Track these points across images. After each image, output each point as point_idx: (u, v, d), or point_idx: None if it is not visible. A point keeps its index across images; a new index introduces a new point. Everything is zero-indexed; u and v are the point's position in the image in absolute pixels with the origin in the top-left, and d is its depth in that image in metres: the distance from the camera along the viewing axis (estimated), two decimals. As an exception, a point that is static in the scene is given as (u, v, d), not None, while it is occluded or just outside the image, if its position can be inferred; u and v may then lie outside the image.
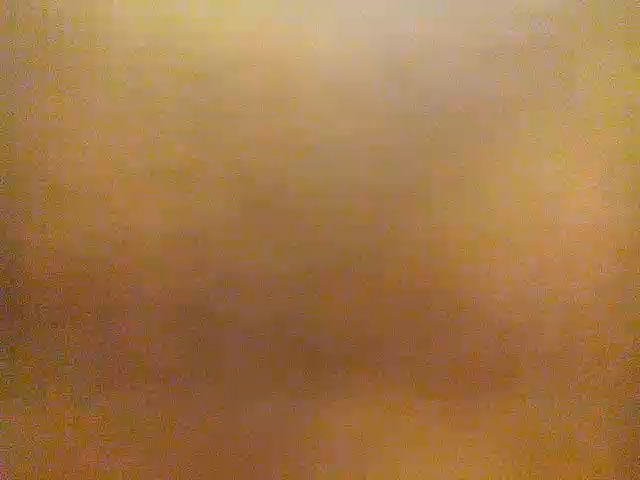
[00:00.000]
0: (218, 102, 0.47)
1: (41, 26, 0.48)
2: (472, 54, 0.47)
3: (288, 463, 0.47)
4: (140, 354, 0.47)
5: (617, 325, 0.47)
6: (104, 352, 0.47)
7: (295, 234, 0.47)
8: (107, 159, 0.47)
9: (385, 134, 0.47)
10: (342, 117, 0.47)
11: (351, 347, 0.47)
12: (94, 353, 0.47)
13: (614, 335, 0.47)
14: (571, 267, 0.47)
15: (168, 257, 0.47)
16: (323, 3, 0.47)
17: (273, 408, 0.47)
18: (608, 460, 0.47)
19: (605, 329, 0.47)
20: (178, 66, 0.47)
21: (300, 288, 0.47)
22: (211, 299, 0.47)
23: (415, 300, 0.47)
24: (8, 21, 0.48)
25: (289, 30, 0.47)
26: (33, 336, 0.48)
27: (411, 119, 0.47)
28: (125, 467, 0.48)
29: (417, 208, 0.47)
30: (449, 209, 0.47)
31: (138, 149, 0.47)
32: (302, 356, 0.47)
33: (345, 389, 0.47)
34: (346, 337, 0.47)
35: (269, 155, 0.47)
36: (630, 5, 0.47)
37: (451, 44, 0.47)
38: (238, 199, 0.47)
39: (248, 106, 0.47)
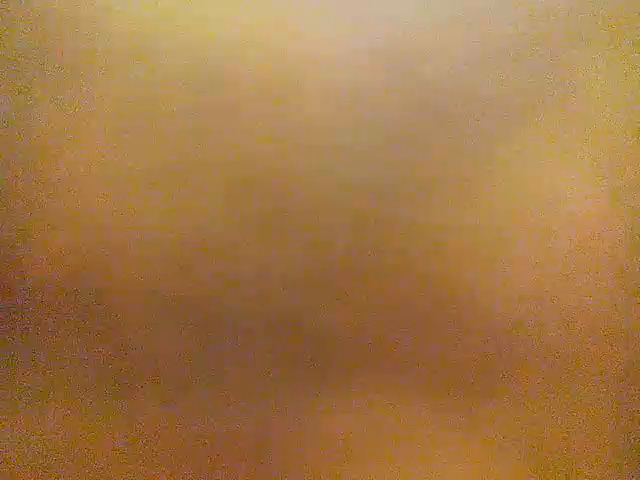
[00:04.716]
0: (218, 102, 0.47)
1: (41, 26, 0.48)
2: (472, 54, 0.47)
3: (288, 463, 0.47)
4: (140, 355, 0.47)
5: (617, 325, 0.47)
6: (104, 353, 0.47)
7: (295, 234, 0.47)
8: (107, 159, 0.47)
9: (385, 134, 0.47)
10: (343, 117, 0.47)
11: (351, 347, 0.47)
12: (94, 354, 0.47)
13: (614, 335, 0.47)
14: (571, 267, 0.47)
15: (169, 258, 0.47)
16: (324, 3, 0.47)
17: (273, 408, 0.47)
18: (608, 460, 0.47)
19: (605, 328, 0.47)
20: (178, 66, 0.47)
21: (300, 288, 0.47)
22: (212, 299, 0.47)
23: (415, 300, 0.47)
24: (8, 21, 0.48)
25: (290, 30, 0.47)
26: (34, 337, 0.48)
27: (411, 119, 0.47)
28: (125, 468, 0.48)
29: (417, 208, 0.47)
30: (449, 209, 0.47)
31: (138, 149, 0.47)
32: (302, 356, 0.47)
33: (345, 389, 0.47)
34: (346, 337, 0.47)
35: (269, 155, 0.47)
36: (629, 5, 0.47)
37: (451, 44, 0.47)
38: (238, 199, 0.47)
39: (248, 106, 0.47)
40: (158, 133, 0.47)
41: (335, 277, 0.47)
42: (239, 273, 0.47)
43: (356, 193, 0.47)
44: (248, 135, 0.47)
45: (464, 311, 0.47)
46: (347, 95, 0.47)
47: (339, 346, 0.47)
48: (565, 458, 0.47)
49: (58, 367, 0.48)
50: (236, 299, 0.47)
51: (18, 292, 0.48)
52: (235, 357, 0.47)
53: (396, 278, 0.47)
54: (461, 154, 0.47)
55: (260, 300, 0.47)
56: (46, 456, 0.48)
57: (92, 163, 0.47)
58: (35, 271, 0.48)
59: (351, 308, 0.47)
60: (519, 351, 0.47)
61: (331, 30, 0.47)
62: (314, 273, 0.47)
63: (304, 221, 0.47)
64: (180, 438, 0.48)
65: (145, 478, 0.48)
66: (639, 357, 0.47)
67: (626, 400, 0.47)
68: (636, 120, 0.47)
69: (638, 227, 0.47)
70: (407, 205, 0.47)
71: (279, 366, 0.47)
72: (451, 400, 0.47)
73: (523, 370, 0.47)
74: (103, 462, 0.48)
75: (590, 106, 0.47)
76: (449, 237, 0.47)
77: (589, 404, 0.47)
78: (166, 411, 0.47)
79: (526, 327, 0.47)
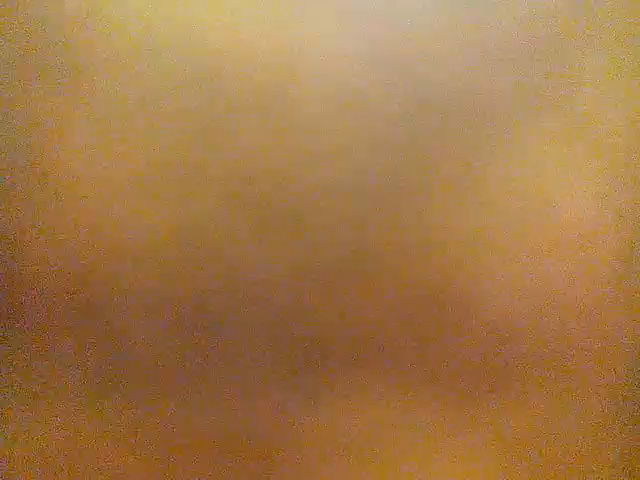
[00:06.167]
0: (218, 102, 0.47)
1: (41, 26, 0.48)
2: (472, 54, 0.47)
3: (288, 463, 0.47)
4: (140, 355, 0.47)
5: (617, 325, 0.47)
6: (104, 354, 0.47)
7: (295, 234, 0.47)
8: (107, 159, 0.47)
9: (385, 134, 0.47)
10: (342, 117, 0.47)
11: (351, 347, 0.47)
12: (94, 355, 0.47)
13: (614, 335, 0.47)
14: (571, 267, 0.47)
15: (168, 258, 0.47)
16: (323, 3, 0.47)
17: (273, 408, 0.47)
18: (608, 460, 0.47)
19: (605, 329, 0.47)
20: (178, 66, 0.47)
21: (300, 288, 0.47)
22: (211, 300, 0.47)
23: (415, 300, 0.47)
24: (8, 21, 0.48)
25: (289, 30, 0.47)
26: (33, 338, 0.48)
27: (411, 119, 0.47)
28: (125, 469, 0.48)
29: (417, 208, 0.47)
30: (449, 209, 0.47)
31: (138, 149, 0.47)
32: (302, 356, 0.47)
33: (345, 389, 0.47)
34: (346, 337, 0.47)
35: (269, 155, 0.47)
36: (628, 6, 0.47)
37: (451, 45, 0.47)
38: (238, 199, 0.47)
39: (248, 106, 0.47)
40: (158, 133, 0.47)
41: (335, 277, 0.47)
42: (238, 273, 0.47)
43: (356, 193, 0.47)
44: (248, 135, 0.47)
45: (464, 311, 0.47)
46: (346, 95, 0.47)
47: (339, 346, 0.47)
48: (566, 457, 0.47)
49: (56, 367, 0.48)
50: (235, 299, 0.47)
51: (17, 292, 0.48)
52: (234, 357, 0.47)
53: (396, 278, 0.47)
54: (461, 154, 0.47)
55: (259, 300, 0.47)
56: (44, 455, 0.48)
57: (92, 163, 0.47)
58: (34, 271, 0.48)
59: (351, 308, 0.47)
60: (519, 351, 0.47)
61: (332, 30, 0.47)
62: (313, 273, 0.47)
63: (303, 222, 0.47)
64: (179, 438, 0.48)
65: (144, 477, 0.48)
66: (639, 356, 0.47)
67: (626, 400, 0.47)
68: (637, 120, 0.47)
69: (639, 227, 0.47)
70: (407, 205, 0.47)
71: (278, 366, 0.47)
72: (452, 400, 0.47)
73: (523, 370, 0.47)
74: (101, 462, 0.48)
75: (591, 106, 0.47)
76: (449, 237, 0.47)
77: (589, 404, 0.47)
78: (165, 411, 0.47)
79: (526, 327, 0.47)
